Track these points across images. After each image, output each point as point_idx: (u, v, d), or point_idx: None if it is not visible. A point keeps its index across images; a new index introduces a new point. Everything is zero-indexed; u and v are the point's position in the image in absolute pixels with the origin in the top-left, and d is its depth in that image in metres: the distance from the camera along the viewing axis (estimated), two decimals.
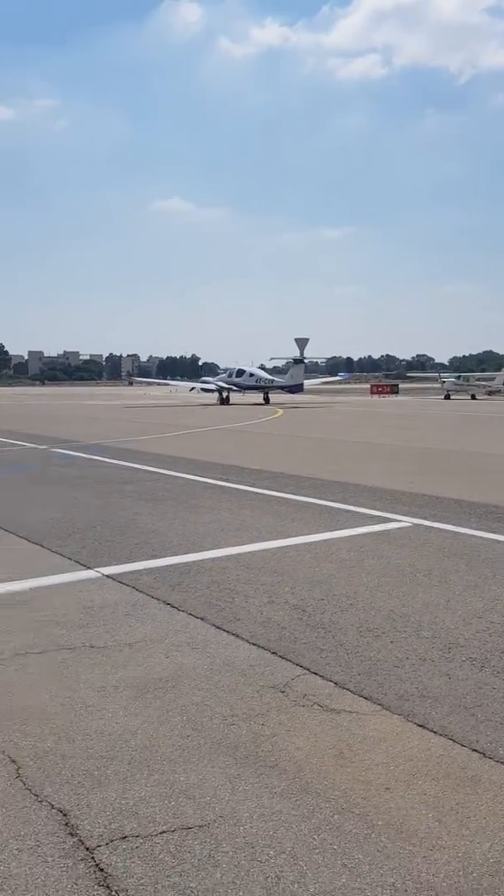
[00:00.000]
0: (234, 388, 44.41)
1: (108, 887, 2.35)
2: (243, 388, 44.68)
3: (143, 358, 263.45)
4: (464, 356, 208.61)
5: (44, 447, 16.96)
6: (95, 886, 2.35)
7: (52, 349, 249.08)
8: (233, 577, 5.92)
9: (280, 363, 48.85)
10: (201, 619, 4.94)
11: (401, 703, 3.64)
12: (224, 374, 47.03)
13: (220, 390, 43.85)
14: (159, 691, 3.81)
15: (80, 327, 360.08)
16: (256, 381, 44.46)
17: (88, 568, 6.28)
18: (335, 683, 3.87)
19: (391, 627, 4.75)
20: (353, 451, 16.62)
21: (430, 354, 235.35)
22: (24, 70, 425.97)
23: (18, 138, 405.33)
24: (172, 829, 2.65)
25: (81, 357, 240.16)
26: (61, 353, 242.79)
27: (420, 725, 3.41)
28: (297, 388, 44.25)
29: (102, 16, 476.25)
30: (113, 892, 2.33)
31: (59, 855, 2.51)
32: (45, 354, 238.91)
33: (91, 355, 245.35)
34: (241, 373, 45.31)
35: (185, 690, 3.81)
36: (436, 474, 12.26)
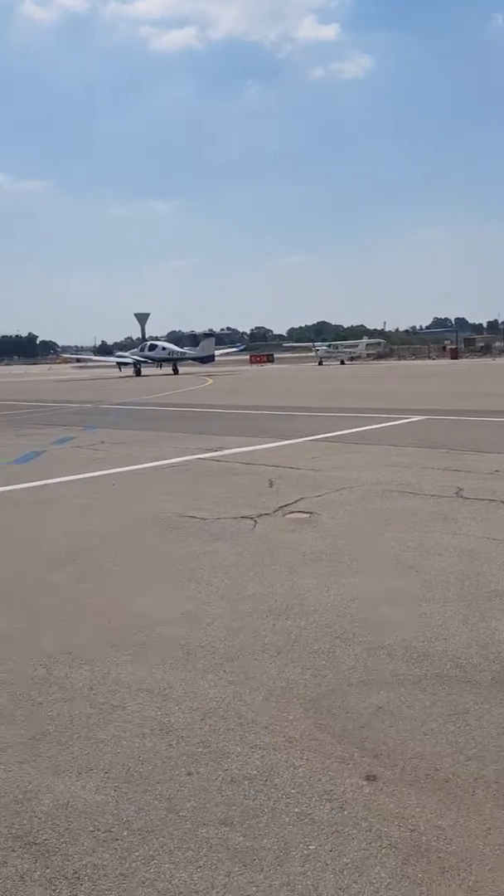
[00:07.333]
0: (148, 361, 49.61)
1: None
2: (157, 361, 49.97)
3: None
4: (301, 327, 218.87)
5: (89, 405, 22.08)
6: None
7: None
8: (367, 436, 12.13)
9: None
10: (376, 445, 11.13)
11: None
12: (137, 349, 52.06)
13: (136, 364, 48.93)
14: (410, 468, 10.00)
15: None
16: (169, 354, 49.98)
17: (289, 439, 12.22)
18: (449, 449, 10.26)
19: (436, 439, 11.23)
20: (311, 396, 23.06)
21: (268, 326, 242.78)
22: None
23: None
24: None
25: None
26: None
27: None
28: (208, 359, 50.25)
29: None
30: None
31: None
32: None
33: None
34: (153, 347, 50.61)
35: (410, 461, 10.02)
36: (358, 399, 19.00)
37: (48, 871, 2.21)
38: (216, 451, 10.98)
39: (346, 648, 3.68)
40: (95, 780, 2.65)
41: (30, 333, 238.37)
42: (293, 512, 6.76)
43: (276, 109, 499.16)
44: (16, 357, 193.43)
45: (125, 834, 2.36)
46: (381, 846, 2.24)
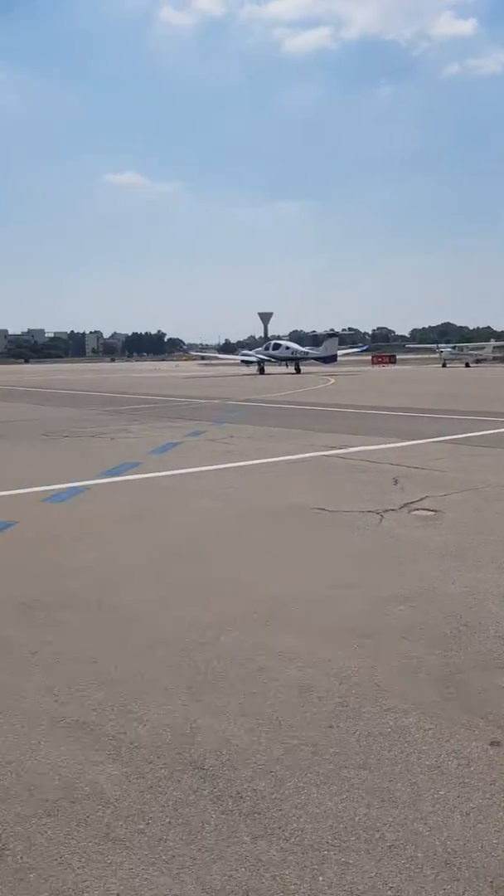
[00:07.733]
0: (272, 360, 50.44)
1: None
2: (279, 360, 50.74)
3: (107, 335, 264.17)
4: (424, 328, 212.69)
5: (216, 401, 22.91)
6: None
7: (13, 327, 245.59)
8: (493, 440, 12.05)
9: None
10: (503, 448, 11.10)
11: None
12: (261, 348, 53.12)
13: (260, 362, 49.92)
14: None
15: (39, 304, 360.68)
16: (292, 354, 50.65)
17: (413, 440, 12.33)
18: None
19: None
20: (435, 398, 22.84)
21: (390, 327, 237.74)
22: None
23: None
24: None
25: (46, 335, 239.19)
26: (25, 330, 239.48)
27: None
28: (331, 359, 50.57)
29: None
30: None
31: None
32: (10, 332, 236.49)
33: (56, 332, 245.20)
34: (277, 346, 51.44)
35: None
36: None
37: (216, 789, 2.65)
38: (341, 448, 11.30)
39: (471, 635, 3.94)
40: (249, 724, 3.08)
41: (158, 331, 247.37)
42: (418, 509, 7.00)
43: (408, 108, 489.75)
44: (145, 353, 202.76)
45: (278, 768, 2.77)
46: (503, 797, 2.54)
